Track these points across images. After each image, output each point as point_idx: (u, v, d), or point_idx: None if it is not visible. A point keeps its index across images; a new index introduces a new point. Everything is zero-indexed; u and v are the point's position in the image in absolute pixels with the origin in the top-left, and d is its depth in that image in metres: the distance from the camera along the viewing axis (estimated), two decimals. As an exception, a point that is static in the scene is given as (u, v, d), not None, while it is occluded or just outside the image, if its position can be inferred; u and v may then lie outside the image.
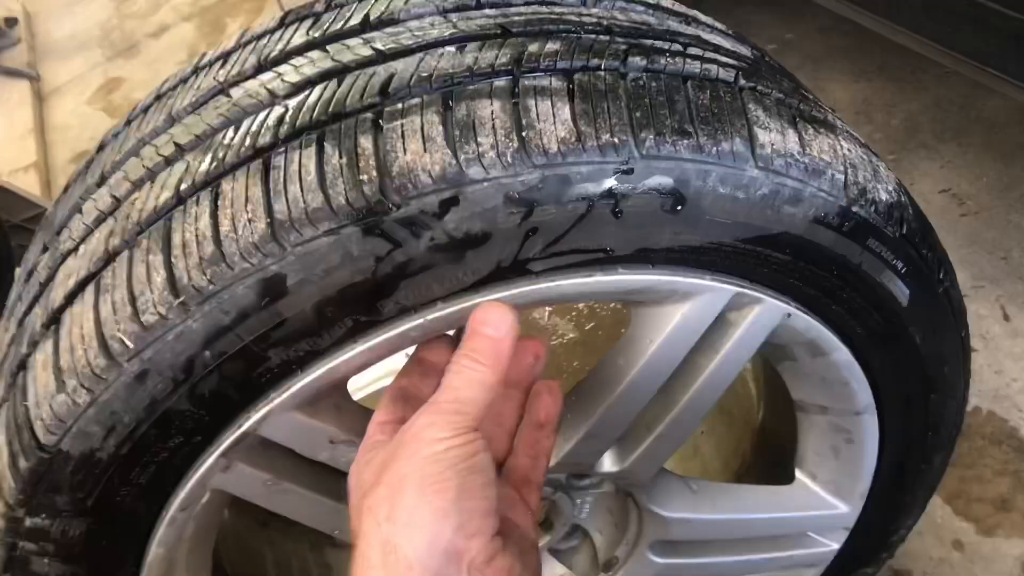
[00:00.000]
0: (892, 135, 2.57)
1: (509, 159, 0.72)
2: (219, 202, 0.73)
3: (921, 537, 1.68)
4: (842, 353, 0.96)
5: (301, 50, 0.86)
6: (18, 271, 0.99)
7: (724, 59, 0.87)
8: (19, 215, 2.42)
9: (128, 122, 0.94)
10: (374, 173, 0.71)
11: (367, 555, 0.64)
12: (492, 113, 0.74)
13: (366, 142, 0.72)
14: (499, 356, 0.71)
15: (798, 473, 1.17)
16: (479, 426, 0.70)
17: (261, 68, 0.86)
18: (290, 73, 0.82)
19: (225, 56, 0.92)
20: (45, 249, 0.90)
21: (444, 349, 0.81)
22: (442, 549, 0.63)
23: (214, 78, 0.88)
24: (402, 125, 0.73)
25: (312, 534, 1.42)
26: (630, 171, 0.74)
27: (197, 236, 0.73)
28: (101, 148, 0.95)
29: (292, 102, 0.79)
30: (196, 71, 0.93)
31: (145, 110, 0.93)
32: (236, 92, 0.84)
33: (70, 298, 0.79)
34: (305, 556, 1.39)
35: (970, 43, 1.84)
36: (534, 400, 0.81)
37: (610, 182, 0.74)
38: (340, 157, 0.72)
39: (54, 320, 0.79)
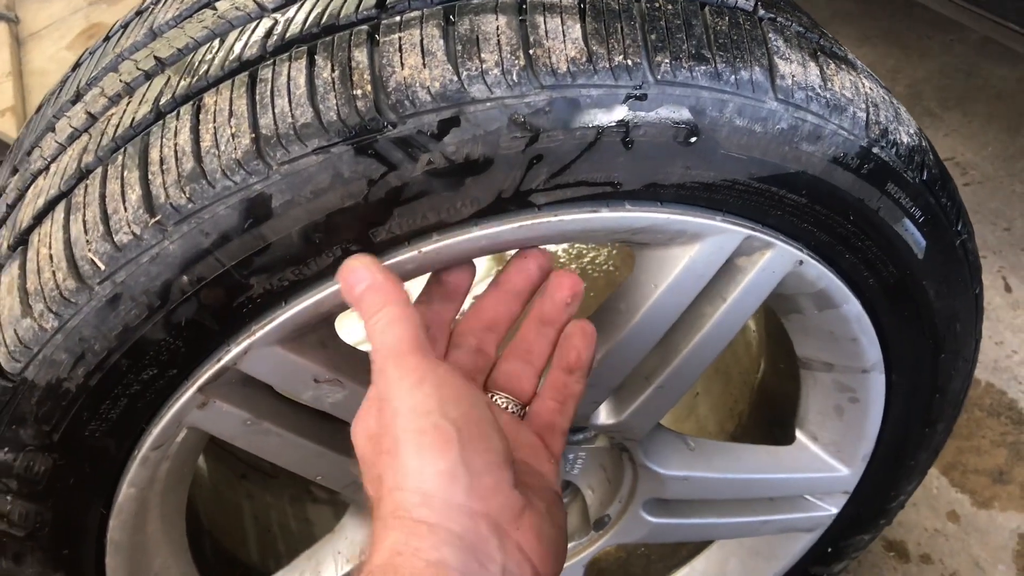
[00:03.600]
0: (895, 102, 2.51)
1: (515, 78, 0.67)
2: (200, 116, 0.68)
3: (916, 508, 1.65)
4: (852, 305, 0.91)
5: (293, -39, 0.81)
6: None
7: (743, -13, 0.81)
8: (-7, 158, 2.35)
9: (107, 38, 0.88)
10: (368, 88, 0.66)
11: (385, 519, 0.58)
12: (497, 28, 0.68)
13: (360, 55, 0.67)
14: (384, 293, 0.64)
15: (799, 434, 1.13)
16: (443, 355, 0.69)
17: (250, -20, 0.80)
18: (280, -15, 0.77)
19: (212, -31, 0.86)
20: (15, 172, 0.84)
21: (467, 271, 0.77)
22: (460, 516, 0.57)
23: (199, -9, 0.82)
24: (400, 39, 0.68)
25: (292, 488, 1.38)
26: (643, 97, 0.69)
27: (176, 152, 0.67)
28: (77, 66, 0.89)
29: (282, 15, 0.73)
30: (180, -15, 0.87)
31: (125, 26, 0.88)
32: (222, 5, 0.79)
33: (39, 218, 0.74)
34: (285, 510, 1.35)
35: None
36: (565, 341, 0.76)
37: (622, 108, 0.69)
38: (332, 70, 0.67)
39: (21, 241, 0.74)
